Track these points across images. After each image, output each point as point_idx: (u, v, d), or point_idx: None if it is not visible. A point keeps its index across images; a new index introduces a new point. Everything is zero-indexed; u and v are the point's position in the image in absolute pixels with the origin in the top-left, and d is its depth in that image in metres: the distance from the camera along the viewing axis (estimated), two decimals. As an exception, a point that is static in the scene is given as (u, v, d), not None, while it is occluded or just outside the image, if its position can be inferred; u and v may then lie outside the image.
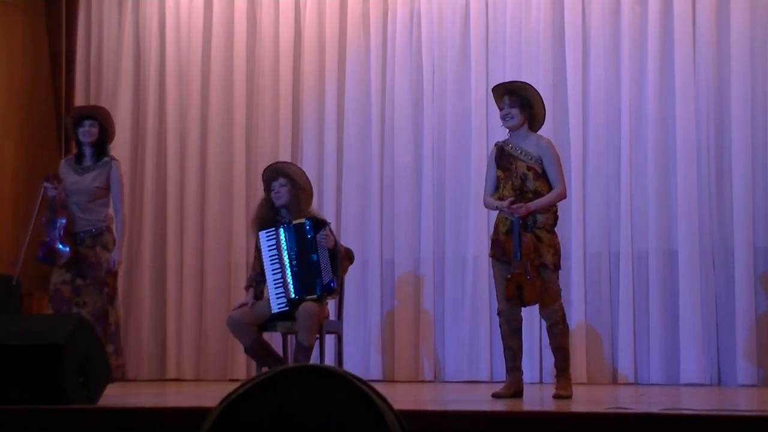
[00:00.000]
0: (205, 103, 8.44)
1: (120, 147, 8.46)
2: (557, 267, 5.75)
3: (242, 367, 7.94)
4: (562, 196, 5.78)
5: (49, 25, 8.92)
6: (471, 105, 7.86)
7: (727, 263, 7.29)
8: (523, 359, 5.90)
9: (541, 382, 7.01)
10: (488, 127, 7.84)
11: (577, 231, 7.53)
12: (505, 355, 5.86)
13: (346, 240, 7.75)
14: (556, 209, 5.84)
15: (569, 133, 7.68)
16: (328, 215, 8.06)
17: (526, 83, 6.06)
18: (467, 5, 7.97)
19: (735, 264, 7.23)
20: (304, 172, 6.56)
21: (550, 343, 5.90)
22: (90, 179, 6.45)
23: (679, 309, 7.31)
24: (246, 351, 6.39)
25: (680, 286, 7.32)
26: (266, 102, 8.34)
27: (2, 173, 8.54)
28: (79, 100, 8.63)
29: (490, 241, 5.95)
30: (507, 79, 7.81)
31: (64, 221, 6.32)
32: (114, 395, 5.82)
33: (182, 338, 8.22)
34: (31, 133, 8.80)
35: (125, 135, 8.49)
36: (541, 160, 5.73)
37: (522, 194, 5.68)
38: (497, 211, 5.83)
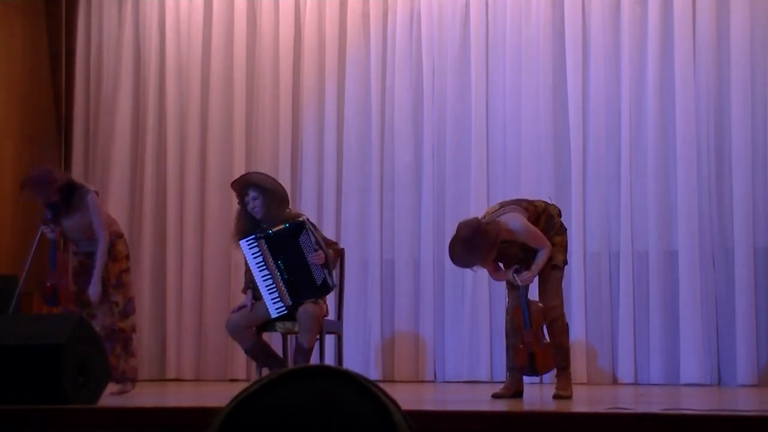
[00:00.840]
0: (205, 103, 8.44)
1: (120, 147, 8.48)
2: (564, 263, 5.78)
3: (242, 367, 7.93)
4: (549, 246, 5.73)
5: (48, 24, 8.92)
6: (471, 105, 7.86)
7: (727, 263, 7.29)
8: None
9: (540, 382, 7.01)
10: (488, 128, 7.84)
11: (577, 231, 7.52)
12: (506, 355, 5.86)
13: (346, 240, 7.75)
14: (558, 215, 5.85)
15: (569, 133, 7.68)
16: (328, 215, 8.08)
17: None
18: (467, 5, 7.98)
19: (735, 264, 7.23)
20: (272, 178, 6.42)
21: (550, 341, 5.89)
22: (78, 219, 6.25)
23: (679, 309, 7.31)
24: (246, 352, 6.38)
25: (680, 286, 7.32)
26: (266, 102, 8.34)
27: (2, 173, 8.54)
28: (79, 100, 8.63)
29: None
30: (507, 79, 7.84)
31: (64, 260, 6.27)
32: (114, 395, 5.82)
33: (182, 338, 8.21)
34: (31, 134, 8.79)
35: (125, 134, 8.49)
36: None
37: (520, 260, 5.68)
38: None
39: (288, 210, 6.31)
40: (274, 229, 6.11)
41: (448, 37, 7.99)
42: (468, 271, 7.69)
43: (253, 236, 6.12)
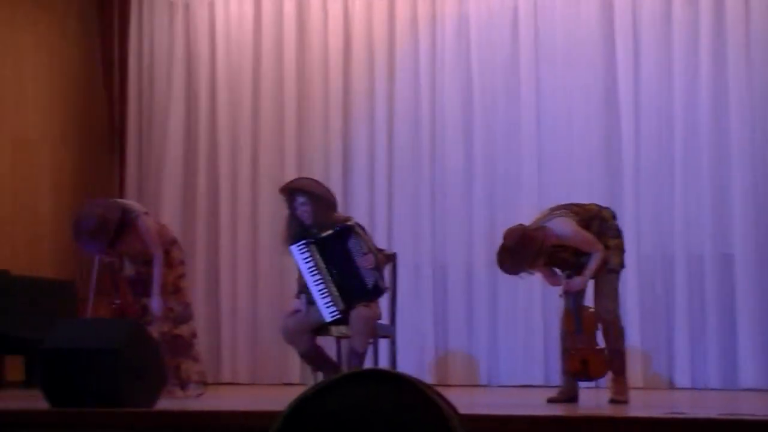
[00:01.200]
0: (255, 108, 8.49)
1: (172, 153, 8.56)
2: (621, 266, 5.71)
3: (297, 370, 7.95)
4: (601, 250, 5.67)
5: (102, 32, 9.02)
6: (521, 108, 7.83)
7: (784, 265, 7.19)
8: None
9: (596, 386, 6.94)
10: (539, 130, 7.81)
11: (630, 234, 7.44)
12: (561, 359, 5.82)
13: (398, 244, 7.75)
14: (613, 217, 5.79)
15: (621, 136, 7.62)
16: (379, 220, 8.08)
17: None
18: (516, 8, 7.94)
19: (793, 266, 7.13)
20: (320, 183, 6.40)
21: (605, 346, 5.84)
22: (132, 241, 6.27)
23: (736, 312, 7.22)
24: (301, 357, 6.40)
25: (737, 289, 7.23)
26: (316, 106, 8.37)
27: (60, 183, 8.65)
28: (132, 106, 8.72)
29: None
30: (557, 80, 7.79)
31: (124, 279, 6.34)
32: (170, 399, 5.88)
33: (237, 342, 8.26)
34: (86, 141, 8.90)
35: (177, 142, 8.57)
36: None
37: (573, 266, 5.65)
38: None
39: (336, 214, 6.32)
40: (324, 234, 6.12)
41: (497, 40, 7.96)
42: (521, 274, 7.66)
43: (304, 241, 6.15)
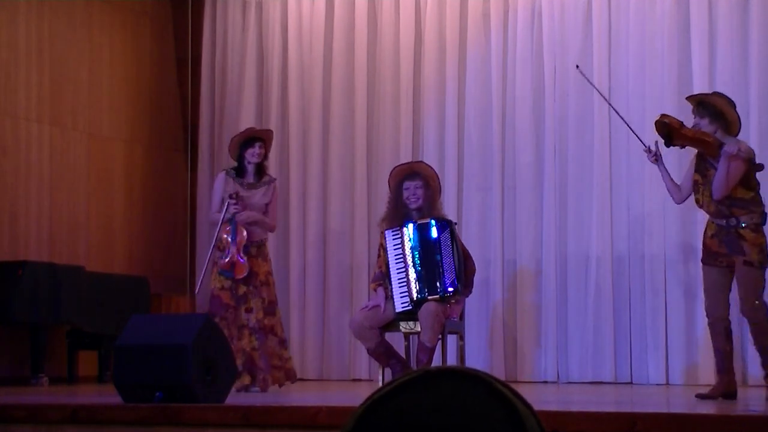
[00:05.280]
0: (326, 105, 8.52)
1: (244, 149, 8.62)
2: (763, 264, 5.63)
3: (365, 367, 7.98)
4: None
5: (175, 31, 9.14)
6: (593, 103, 7.74)
7: None
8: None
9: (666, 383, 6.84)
10: (611, 125, 7.71)
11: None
12: (715, 357, 5.77)
13: (467, 239, 7.72)
14: (763, 208, 5.71)
15: (695, 130, 7.50)
16: (450, 215, 8.04)
17: (715, 93, 5.98)
18: (589, 1, 7.86)
19: None
20: (436, 173, 6.53)
21: (754, 344, 5.77)
22: (260, 196, 6.70)
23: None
24: (369, 352, 6.41)
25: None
26: (387, 103, 8.37)
27: (133, 178, 8.77)
28: (204, 105, 8.81)
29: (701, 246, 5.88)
30: (630, 76, 7.69)
31: (245, 235, 6.54)
32: (239, 394, 5.93)
33: (305, 339, 8.30)
34: (159, 138, 9.02)
35: (249, 138, 8.62)
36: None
37: (718, 202, 5.60)
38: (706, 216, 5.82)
39: (440, 208, 6.40)
40: (420, 221, 6.18)
41: (570, 34, 7.88)
42: (592, 271, 7.59)
43: (398, 227, 6.22)
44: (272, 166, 8.57)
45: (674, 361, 7.39)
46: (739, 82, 7.47)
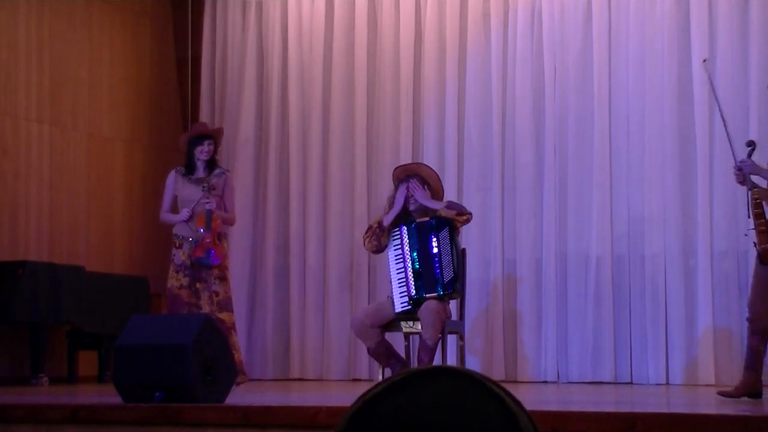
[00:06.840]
0: (326, 104, 8.52)
1: (243, 148, 8.63)
2: None
3: (365, 367, 7.98)
4: None
5: (175, 31, 9.14)
6: (593, 102, 7.75)
7: None
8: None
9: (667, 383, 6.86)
10: (611, 125, 7.72)
11: (703, 229, 7.34)
12: (746, 354, 5.77)
13: (467, 239, 7.72)
14: None
15: (695, 129, 7.51)
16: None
17: None
18: (589, 2, 7.86)
19: None
20: (436, 173, 6.55)
21: None
22: (217, 193, 6.82)
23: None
24: (369, 352, 6.43)
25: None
26: (387, 103, 8.37)
27: (133, 178, 8.78)
28: (204, 104, 8.81)
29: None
30: (630, 76, 7.69)
31: (219, 222, 6.72)
32: (239, 394, 5.93)
33: (305, 338, 8.30)
34: (159, 137, 9.02)
35: (249, 136, 8.64)
36: None
37: None
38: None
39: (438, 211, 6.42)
40: (419, 220, 6.23)
41: (570, 34, 7.88)
42: (592, 271, 7.59)
43: (397, 228, 6.26)
44: (272, 166, 8.60)
45: (674, 361, 7.39)
46: (739, 82, 7.47)
